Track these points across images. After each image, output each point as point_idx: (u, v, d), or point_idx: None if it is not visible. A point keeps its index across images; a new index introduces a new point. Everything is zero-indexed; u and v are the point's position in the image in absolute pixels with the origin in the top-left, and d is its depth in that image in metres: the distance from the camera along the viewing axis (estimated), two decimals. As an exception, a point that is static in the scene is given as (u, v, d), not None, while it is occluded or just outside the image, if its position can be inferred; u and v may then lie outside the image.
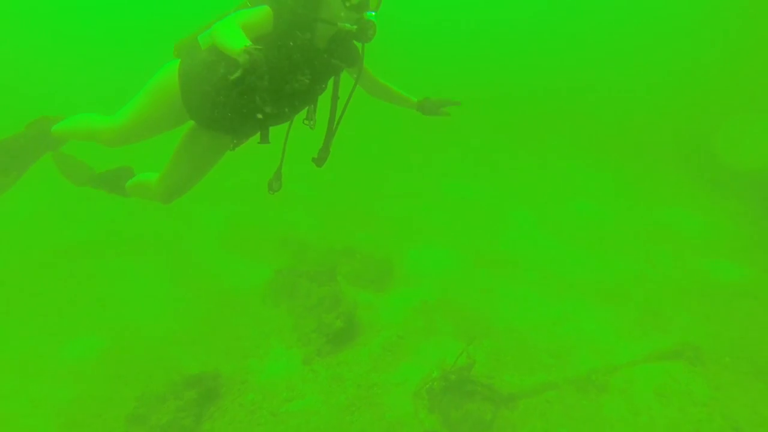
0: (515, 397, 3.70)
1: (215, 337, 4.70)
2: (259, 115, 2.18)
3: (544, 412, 3.60)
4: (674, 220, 6.63)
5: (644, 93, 12.82)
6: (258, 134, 2.47)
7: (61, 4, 21.57)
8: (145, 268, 5.85)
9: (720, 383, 3.63)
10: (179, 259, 6.21)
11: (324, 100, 2.52)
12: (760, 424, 3.26)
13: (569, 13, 21.55)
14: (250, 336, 4.72)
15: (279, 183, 2.64)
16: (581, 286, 5.16)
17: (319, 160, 2.52)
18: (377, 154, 8.96)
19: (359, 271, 5.23)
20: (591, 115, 11.41)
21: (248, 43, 1.73)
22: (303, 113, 2.53)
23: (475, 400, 3.56)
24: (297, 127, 2.63)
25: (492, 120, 11.29)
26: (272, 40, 2.11)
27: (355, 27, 2.07)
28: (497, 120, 11.39)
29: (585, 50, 18.37)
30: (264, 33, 2.10)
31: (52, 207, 7.19)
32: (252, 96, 2.05)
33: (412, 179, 8.31)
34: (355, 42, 2.32)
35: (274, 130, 2.51)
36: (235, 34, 1.82)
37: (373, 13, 2.15)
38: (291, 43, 2.12)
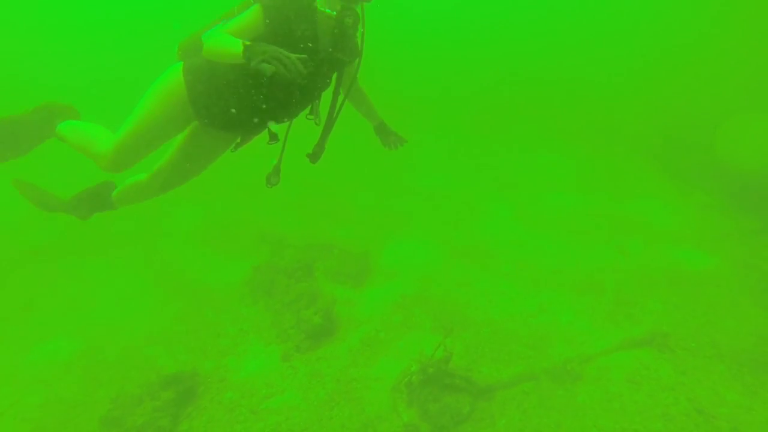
0: (493, 388, 3.76)
1: (193, 336, 4.65)
2: (265, 109, 2.22)
3: (521, 402, 3.67)
4: (645, 211, 6.82)
5: (614, 86, 13.07)
6: (248, 135, 2.47)
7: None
8: (119, 268, 5.74)
9: (686, 368, 3.77)
10: (155, 257, 6.11)
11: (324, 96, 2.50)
12: (720, 404, 3.41)
13: (543, 4, 21.62)
14: (228, 334, 4.68)
15: (277, 177, 2.59)
16: (556, 278, 5.26)
17: (314, 156, 2.48)
18: (353, 149, 8.95)
19: (337, 267, 5.23)
20: (563, 108, 11.60)
21: (246, 42, 1.83)
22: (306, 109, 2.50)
23: (453, 392, 3.61)
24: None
25: (466, 114, 11.39)
26: (271, 37, 2.09)
27: (334, 13, 2.06)
28: (472, 114, 11.50)
29: (557, 42, 18.58)
30: (257, 33, 2.08)
31: (19, 206, 6.95)
32: (272, 91, 2.16)
33: (389, 174, 8.33)
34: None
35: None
36: (227, 40, 1.91)
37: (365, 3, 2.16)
38: (294, 37, 2.10)
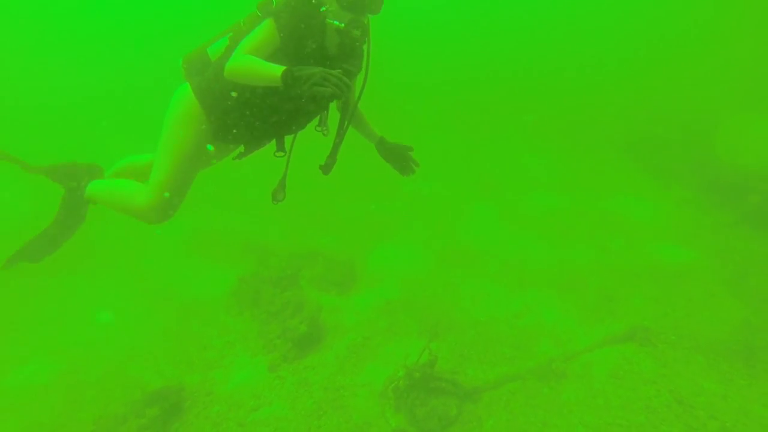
0: (479, 390, 3.79)
1: (178, 350, 4.60)
2: (279, 124, 2.23)
3: (507, 402, 3.70)
4: (625, 208, 6.94)
5: (594, 85, 13.29)
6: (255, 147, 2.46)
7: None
8: (102, 284, 5.66)
9: (666, 360, 3.85)
10: (138, 271, 6.04)
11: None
12: (698, 394, 3.49)
13: (524, 1, 21.71)
14: (215, 346, 4.65)
15: (283, 193, 2.54)
16: (540, 278, 5.33)
17: (326, 167, 2.45)
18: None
19: (323, 275, 5.23)
20: (544, 107, 11.73)
21: (283, 67, 1.84)
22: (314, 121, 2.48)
23: (439, 395, 3.64)
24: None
25: (448, 117, 11.46)
26: (285, 52, 2.10)
27: (342, 24, 2.06)
28: (453, 116, 11.57)
29: (538, 40, 18.81)
30: (273, 48, 2.08)
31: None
32: (289, 107, 2.17)
33: (371, 180, 8.34)
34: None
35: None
36: (260, 64, 1.93)
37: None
38: (305, 50, 2.11)
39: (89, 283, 5.67)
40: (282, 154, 2.40)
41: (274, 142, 2.41)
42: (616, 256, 5.70)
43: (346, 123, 2.43)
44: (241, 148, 2.47)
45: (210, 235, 6.65)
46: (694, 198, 7.05)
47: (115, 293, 5.46)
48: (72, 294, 5.44)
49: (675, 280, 5.02)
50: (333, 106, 2.48)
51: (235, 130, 2.29)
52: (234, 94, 2.17)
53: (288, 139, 2.45)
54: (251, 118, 2.23)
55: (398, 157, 2.71)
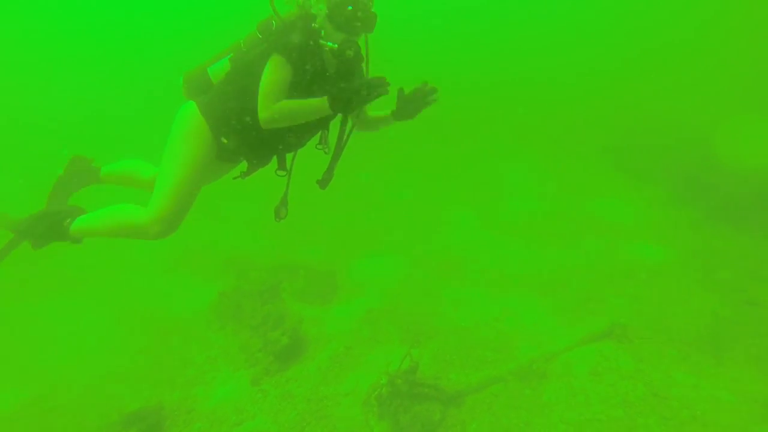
0: (462, 394, 3.81)
1: (158, 368, 4.53)
2: (281, 146, 2.30)
3: (490, 404, 3.73)
4: (601, 209, 7.11)
5: (572, 90, 13.60)
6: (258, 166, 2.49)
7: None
8: (75, 304, 5.54)
9: (642, 355, 3.94)
10: (116, 289, 5.94)
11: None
12: (672, 385, 3.59)
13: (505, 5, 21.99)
14: (196, 362, 4.59)
15: (285, 210, 2.56)
16: (521, 281, 5.40)
17: (323, 182, 2.46)
18: (312, 168, 8.93)
19: (304, 286, 5.22)
20: (522, 113, 11.95)
21: (324, 99, 2.04)
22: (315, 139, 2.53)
23: (423, 401, 3.65)
24: None
25: (428, 123, 11.57)
26: (295, 79, 2.16)
27: (335, 45, 2.10)
28: (433, 123, 11.69)
29: (518, 45, 19.16)
30: (289, 82, 2.13)
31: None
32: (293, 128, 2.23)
33: (351, 190, 8.38)
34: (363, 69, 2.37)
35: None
36: (300, 104, 2.09)
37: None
38: (306, 72, 2.15)
39: (61, 305, 5.54)
40: (283, 172, 2.44)
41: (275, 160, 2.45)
42: (593, 257, 5.83)
43: (344, 139, 2.44)
44: (244, 167, 2.49)
45: (189, 251, 6.57)
46: (666, 197, 7.27)
47: (89, 314, 5.35)
48: (43, 317, 5.31)
49: (649, 278, 5.15)
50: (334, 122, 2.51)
51: (240, 150, 2.32)
52: (248, 119, 2.20)
53: (288, 156, 2.48)
54: (257, 138, 2.26)
55: (415, 100, 2.44)
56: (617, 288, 5.09)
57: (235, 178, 2.57)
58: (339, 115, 2.36)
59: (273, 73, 2.10)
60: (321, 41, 2.11)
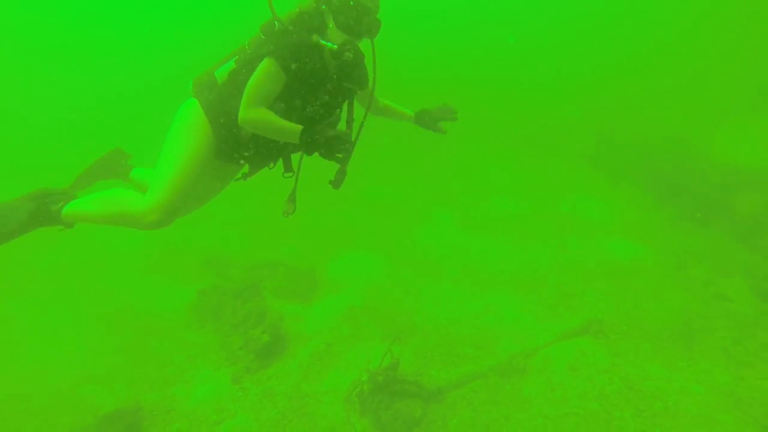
0: (443, 390, 3.84)
1: (135, 368, 4.45)
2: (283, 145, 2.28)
3: (471, 400, 3.77)
4: (578, 207, 7.25)
5: (547, 89, 13.81)
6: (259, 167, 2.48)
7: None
8: (49, 304, 5.39)
9: (618, 350, 4.04)
10: (92, 289, 5.80)
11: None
12: (646, 378, 3.69)
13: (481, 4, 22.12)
14: (175, 362, 4.52)
15: (293, 207, 2.54)
16: (501, 278, 5.47)
17: (336, 182, 2.45)
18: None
19: (284, 284, 5.19)
20: (500, 112, 12.09)
21: (299, 128, 1.99)
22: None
23: (404, 398, 3.66)
24: None
25: (406, 123, 11.59)
26: (290, 82, 2.14)
27: (335, 46, 2.08)
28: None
29: (496, 48, 19.35)
30: (281, 87, 2.12)
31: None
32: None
33: (331, 188, 8.34)
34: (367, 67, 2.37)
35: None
36: (277, 124, 2.04)
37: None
38: (306, 72, 2.13)
39: (36, 305, 5.39)
40: (291, 174, 2.46)
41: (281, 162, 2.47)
42: (572, 254, 5.94)
43: (354, 138, 2.42)
44: (245, 169, 2.48)
45: (167, 250, 6.47)
46: (642, 195, 7.46)
47: (65, 314, 5.22)
48: (17, 317, 5.15)
49: (625, 274, 5.28)
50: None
51: (240, 150, 2.31)
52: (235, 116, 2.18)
53: (296, 156, 2.50)
54: (257, 138, 2.25)
55: (436, 120, 2.85)
56: (595, 285, 5.20)
57: (236, 180, 2.57)
58: (344, 116, 2.43)
59: (260, 76, 2.10)
60: (322, 41, 2.09)
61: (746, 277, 4.95)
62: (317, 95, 2.23)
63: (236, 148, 2.31)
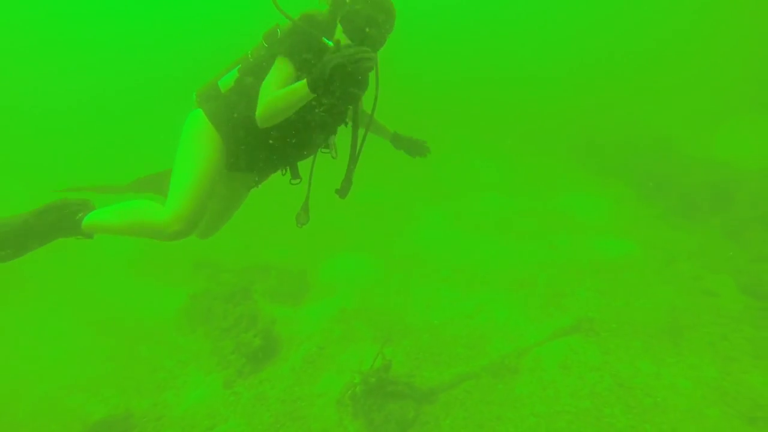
0: (435, 391, 3.85)
1: (125, 375, 4.40)
2: (289, 149, 2.26)
3: (463, 401, 3.78)
4: (569, 206, 7.30)
5: (538, 87, 13.90)
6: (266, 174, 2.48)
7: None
8: (40, 312, 5.33)
9: (609, 347, 4.08)
10: (81, 296, 5.73)
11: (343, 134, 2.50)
12: (636, 375, 3.73)
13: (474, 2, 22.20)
14: (166, 367, 4.48)
15: (307, 216, 2.54)
16: (491, 277, 5.49)
17: (343, 191, 2.45)
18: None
19: (275, 287, 5.17)
20: (489, 111, 12.14)
21: (302, 80, 1.86)
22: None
23: (396, 399, 3.66)
24: None
25: (397, 121, 11.63)
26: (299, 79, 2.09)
27: (331, 43, 2.05)
28: (402, 121, 11.76)
29: (489, 46, 19.41)
30: (292, 82, 2.07)
31: None
32: (298, 131, 2.21)
33: (320, 190, 8.33)
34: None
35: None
36: (282, 93, 1.94)
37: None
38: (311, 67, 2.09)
39: (24, 313, 5.32)
40: (298, 181, 2.43)
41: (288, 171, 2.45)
42: (563, 252, 5.98)
43: (359, 144, 2.41)
44: (254, 178, 2.48)
45: (157, 254, 6.41)
46: (630, 193, 7.53)
47: (53, 322, 5.16)
48: (4, 326, 5.07)
49: (615, 272, 5.33)
50: (341, 128, 2.49)
51: (247, 158, 2.30)
52: (253, 124, 2.14)
53: (307, 164, 2.49)
54: (261, 143, 2.24)
55: (412, 146, 3.08)
56: (585, 282, 5.24)
57: (256, 187, 2.55)
58: (349, 122, 2.41)
59: (275, 75, 2.09)
60: (324, 39, 2.08)
61: (732, 272, 5.01)
62: (320, 99, 2.22)
63: (245, 153, 2.29)
